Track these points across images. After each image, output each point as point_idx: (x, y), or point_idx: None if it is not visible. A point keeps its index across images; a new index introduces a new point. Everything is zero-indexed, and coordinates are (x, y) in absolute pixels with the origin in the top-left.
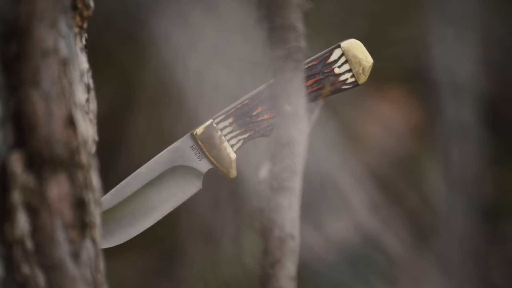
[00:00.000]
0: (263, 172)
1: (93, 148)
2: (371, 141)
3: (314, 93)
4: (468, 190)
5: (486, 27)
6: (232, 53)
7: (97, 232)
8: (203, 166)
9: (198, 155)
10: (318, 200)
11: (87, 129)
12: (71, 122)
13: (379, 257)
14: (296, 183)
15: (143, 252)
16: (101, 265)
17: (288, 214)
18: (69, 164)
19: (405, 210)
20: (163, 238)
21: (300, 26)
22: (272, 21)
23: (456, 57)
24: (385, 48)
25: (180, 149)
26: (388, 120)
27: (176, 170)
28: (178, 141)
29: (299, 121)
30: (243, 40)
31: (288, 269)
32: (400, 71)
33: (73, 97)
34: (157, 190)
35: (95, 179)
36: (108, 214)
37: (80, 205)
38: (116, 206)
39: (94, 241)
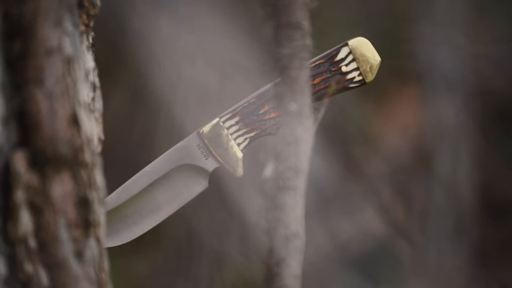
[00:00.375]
0: (268, 171)
1: (98, 147)
2: (386, 140)
3: (321, 92)
4: (474, 191)
5: (493, 25)
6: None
7: (101, 231)
8: (210, 164)
9: (204, 153)
10: (330, 201)
11: (91, 128)
12: (75, 121)
13: (389, 259)
14: (301, 182)
15: (160, 250)
16: (105, 264)
17: (293, 213)
18: (73, 162)
19: (417, 211)
20: (181, 236)
21: (306, 24)
22: (278, 19)
23: (463, 56)
24: (403, 46)
25: (186, 148)
26: (403, 119)
27: (182, 169)
28: (185, 139)
29: (304, 120)
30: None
31: (293, 267)
32: (416, 69)
33: (77, 96)
34: (163, 189)
35: (99, 178)
36: (114, 213)
37: (84, 204)
38: (122, 204)
39: (98, 240)
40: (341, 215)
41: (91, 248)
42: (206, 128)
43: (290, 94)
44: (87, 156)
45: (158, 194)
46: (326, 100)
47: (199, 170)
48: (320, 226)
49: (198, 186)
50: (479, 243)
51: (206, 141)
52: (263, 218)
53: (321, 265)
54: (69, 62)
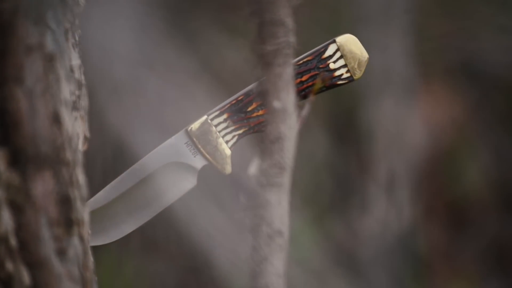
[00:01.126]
0: (253, 168)
1: (84, 145)
2: (412, 135)
3: (309, 89)
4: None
5: None
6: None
7: (85, 229)
8: (198, 162)
9: (192, 151)
10: (355, 194)
11: (73, 126)
12: (56, 119)
13: (416, 252)
14: (285, 179)
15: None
16: (90, 262)
17: (277, 211)
18: (54, 161)
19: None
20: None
21: (289, 22)
22: (261, 16)
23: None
24: (429, 42)
25: (174, 146)
26: (430, 114)
27: (170, 167)
28: (173, 137)
29: (288, 117)
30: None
31: (276, 266)
32: (444, 64)
33: (59, 94)
34: (152, 187)
35: (80, 176)
36: (103, 211)
37: (65, 202)
38: (110, 202)
39: (82, 238)
40: (361, 211)
41: (75, 247)
42: (194, 126)
43: (274, 91)
44: (69, 155)
45: (146, 192)
46: (311, 98)
47: (188, 168)
48: (340, 223)
49: (187, 183)
50: (497, 238)
51: (194, 139)
52: (246, 215)
53: (342, 261)
54: (51, 59)
